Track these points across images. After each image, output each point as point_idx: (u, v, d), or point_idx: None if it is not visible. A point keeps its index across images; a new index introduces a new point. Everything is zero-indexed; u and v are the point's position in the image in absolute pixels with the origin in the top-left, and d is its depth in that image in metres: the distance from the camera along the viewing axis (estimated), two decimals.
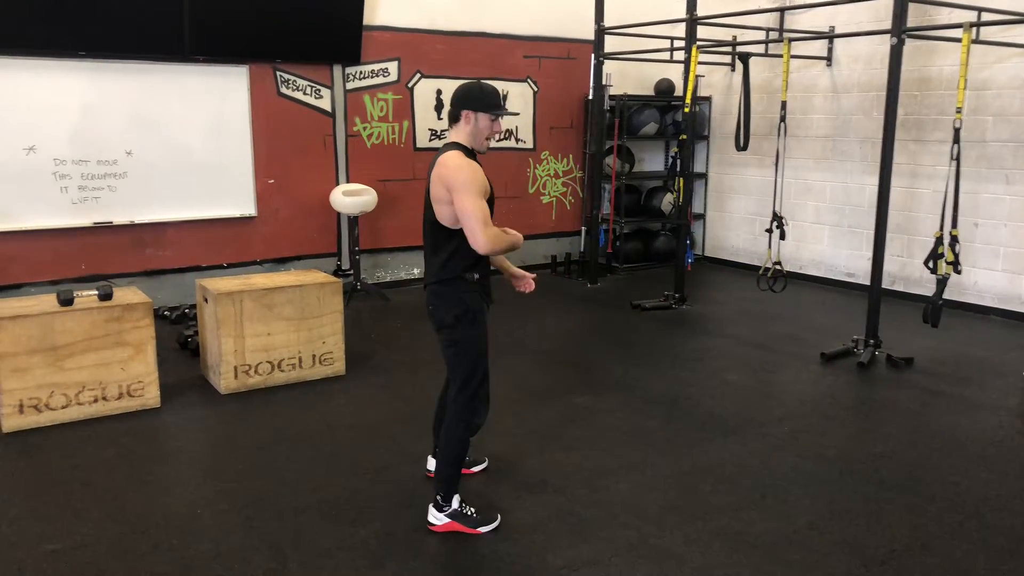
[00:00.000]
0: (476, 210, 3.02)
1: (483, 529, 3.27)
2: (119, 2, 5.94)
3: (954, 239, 5.19)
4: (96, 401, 4.42)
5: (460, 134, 3.19)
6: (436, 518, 3.29)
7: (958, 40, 5.20)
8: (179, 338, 5.71)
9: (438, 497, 3.29)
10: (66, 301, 4.33)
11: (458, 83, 3.33)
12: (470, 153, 3.17)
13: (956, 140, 5.10)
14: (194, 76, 6.50)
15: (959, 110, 5.08)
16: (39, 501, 3.53)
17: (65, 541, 3.18)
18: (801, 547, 3.19)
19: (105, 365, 4.41)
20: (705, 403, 4.77)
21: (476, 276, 3.21)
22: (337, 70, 7.17)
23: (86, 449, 4.05)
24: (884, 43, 5.68)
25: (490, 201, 3.17)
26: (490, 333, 3.34)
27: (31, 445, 4.09)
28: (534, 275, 3.52)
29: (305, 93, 7.05)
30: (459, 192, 3.03)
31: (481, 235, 3.01)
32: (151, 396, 4.58)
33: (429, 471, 3.67)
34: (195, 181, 6.63)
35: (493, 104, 3.18)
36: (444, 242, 3.19)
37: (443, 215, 3.13)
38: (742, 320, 6.70)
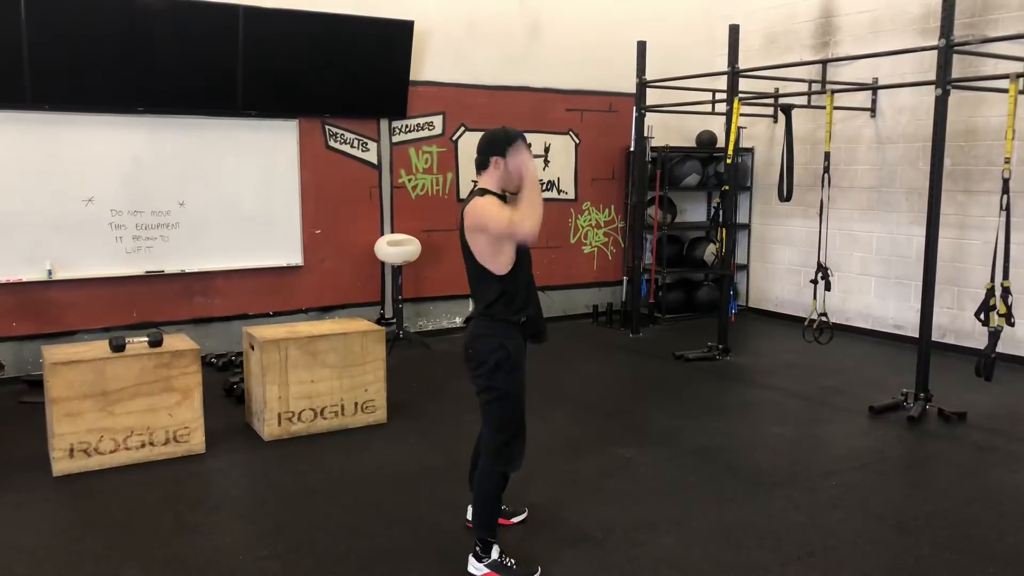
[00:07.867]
0: (503, 217, 3.09)
1: None
2: (177, 62, 6.20)
3: (1006, 291, 5.08)
4: (143, 446, 4.49)
5: (490, 180, 3.28)
6: (476, 568, 3.26)
7: (1005, 91, 5.16)
8: (225, 385, 5.79)
9: (477, 548, 3.26)
10: (118, 347, 4.44)
11: None
12: (501, 198, 3.25)
13: (1005, 191, 5.03)
14: (246, 130, 6.72)
15: (1007, 160, 5.02)
16: (85, 543, 3.58)
17: None
18: None
19: (153, 411, 4.49)
20: (750, 456, 4.68)
21: (523, 319, 3.24)
22: (384, 124, 7.34)
23: (132, 493, 4.11)
24: (929, 94, 5.64)
25: (525, 253, 3.26)
26: (530, 380, 3.34)
27: (79, 489, 4.17)
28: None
29: (352, 146, 7.22)
30: (489, 219, 3.12)
31: (520, 224, 3.07)
32: (196, 442, 4.64)
33: (468, 521, 3.65)
34: (244, 231, 6.80)
35: (516, 140, 3.25)
36: (487, 289, 3.24)
37: (482, 250, 3.19)
38: (787, 372, 6.59)
